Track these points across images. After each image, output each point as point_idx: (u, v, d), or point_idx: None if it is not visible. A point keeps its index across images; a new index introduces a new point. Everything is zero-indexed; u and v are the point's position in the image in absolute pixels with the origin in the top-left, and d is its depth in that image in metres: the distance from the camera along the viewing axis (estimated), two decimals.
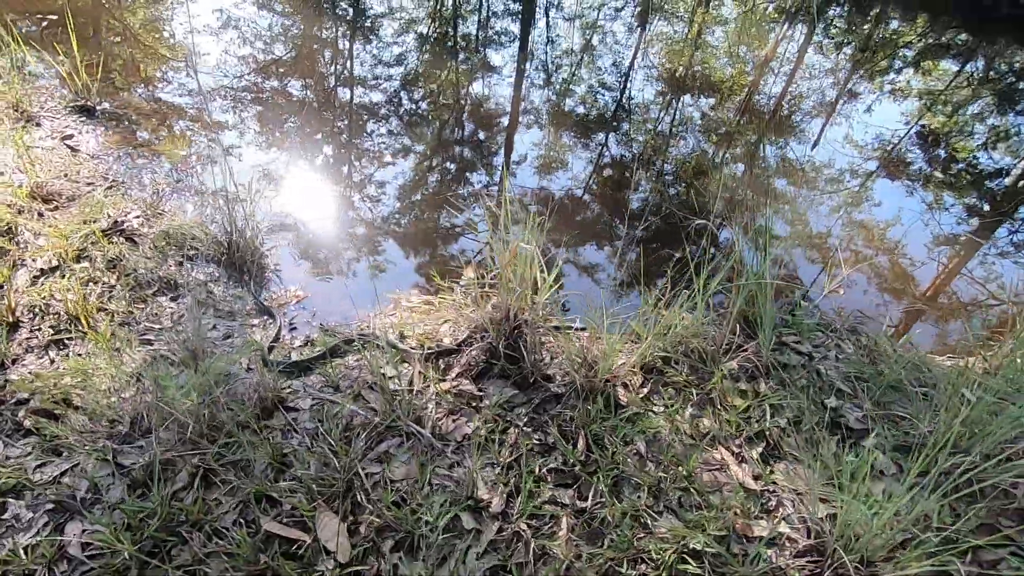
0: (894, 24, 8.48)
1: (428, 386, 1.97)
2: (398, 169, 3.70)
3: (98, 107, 3.60)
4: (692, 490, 1.65)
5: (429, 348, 2.12)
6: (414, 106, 4.59)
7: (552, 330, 2.10)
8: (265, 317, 2.36)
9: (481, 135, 4.35)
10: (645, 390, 1.95)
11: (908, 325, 2.94)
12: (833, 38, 7.83)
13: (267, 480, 1.60)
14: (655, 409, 1.90)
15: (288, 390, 1.98)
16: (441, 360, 2.11)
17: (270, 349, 2.13)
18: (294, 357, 2.15)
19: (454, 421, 1.84)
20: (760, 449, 1.78)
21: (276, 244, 2.78)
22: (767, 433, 1.83)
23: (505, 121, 4.53)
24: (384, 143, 3.97)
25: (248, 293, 2.46)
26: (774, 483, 1.68)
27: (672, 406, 1.89)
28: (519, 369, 1.97)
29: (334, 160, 3.78)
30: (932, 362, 2.28)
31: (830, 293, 2.90)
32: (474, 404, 1.92)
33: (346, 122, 4.24)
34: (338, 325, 2.36)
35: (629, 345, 2.13)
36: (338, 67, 5.12)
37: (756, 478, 1.70)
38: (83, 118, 3.47)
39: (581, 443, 1.75)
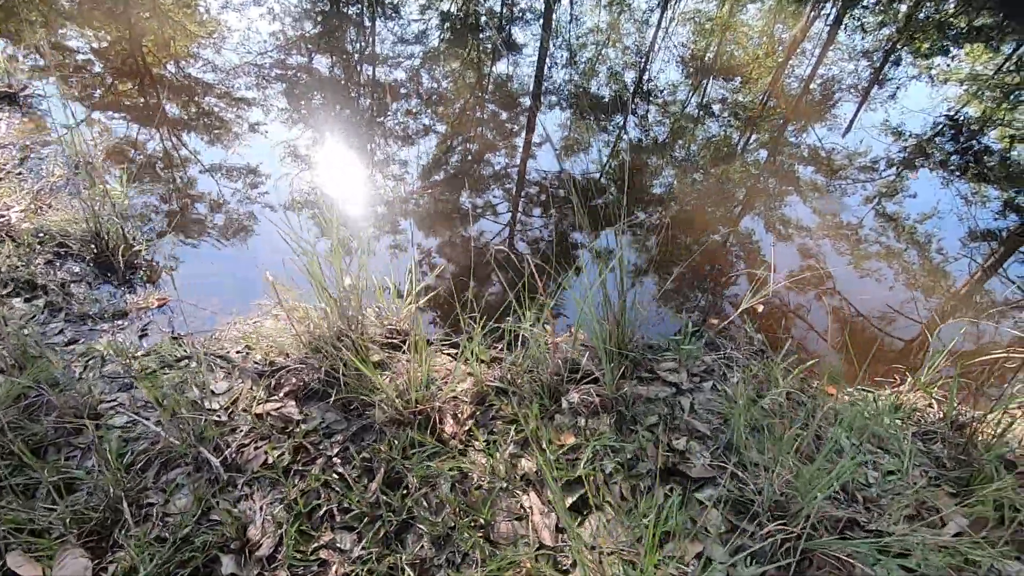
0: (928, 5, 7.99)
1: (251, 406, 1.86)
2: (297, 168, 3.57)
3: (22, 93, 3.55)
4: (483, 542, 1.50)
5: (267, 365, 2.01)
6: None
7: (388, 348, 1.96)
8: (119, 321, 2.28)
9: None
10: (470, 423, 1.80)
11: (854, 352, 2.70)
12: (860, 20, 7.37)
13: (37, 508, 1.52)
14: (476, 445, 1.75)
15: (112, 403, 1.90)
16: (275, 378, 1.99)
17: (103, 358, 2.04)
18: (135, 366, 2.06)
19: (256, 448, 1.72)
20: (574, 497, 1.62)
21: (155, 243, 2.69)
22: (591, 478, 1.66)
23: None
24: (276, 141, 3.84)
25: (109, 295, 2.39)
26: (577, 538, 1.52)
27: (493, 442, 1.74)
28: (350, 391, 1.85)
29: (226, 163, 3.67)
30: (824, 397, 2.07)
31: (746, 311, 2.69)
32: (288, 430, 1.80)
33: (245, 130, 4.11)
34: (193, 332, 2.26)
35: (480, 367, 1.98)
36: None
37: (559, 531, 1.54)
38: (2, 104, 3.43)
39: (377, 481, 1.61)
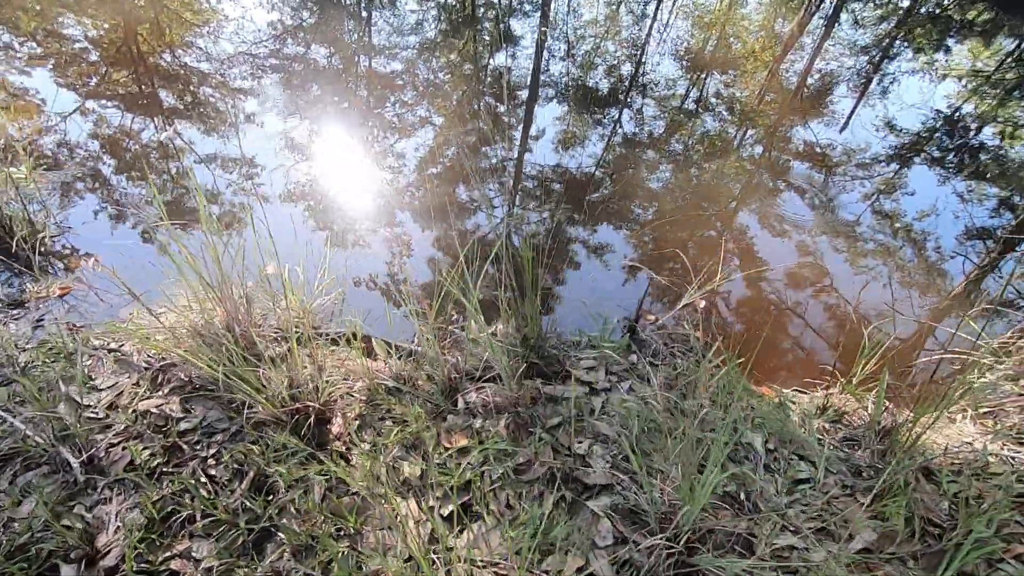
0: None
1: (132, 403, 1.75)
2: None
3: None
4: (348, 553, 1.40)
5: (159, 359, 1.90)
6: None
7: (278, 341, 1.84)
8: (15, 311, 2.16)
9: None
10: (356, 423, 1.69)
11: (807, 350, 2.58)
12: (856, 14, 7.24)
13: None
14: (362, 446, 1.64)
15: None
16: (164, 373, 1.88)
17: None
18: (22, 359, 1.95)
19: (124, 449, 1.62)
20: (456, 505, 1.51)
21: (70, 227, 2.58)
22: (476, 484, 1.56)
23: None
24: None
25: (4, 283, 2.27)
26: (449, 549, 1.42)
27: (378, 445, 1.63)
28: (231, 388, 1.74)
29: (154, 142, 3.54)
30: (749, 400, 1.96)
31: (685, 308, 2.58)
32: (165, 428, 1.69)
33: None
34: (92, 324, 2.15)
35: (367, 363, 1.87)
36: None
37: (432, 541, 1.44)
38: None
39: (243, 485, 1.51)
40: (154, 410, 1.75)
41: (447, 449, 1.63)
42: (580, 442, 1.71)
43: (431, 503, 1.52)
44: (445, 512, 1.49)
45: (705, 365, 2.05)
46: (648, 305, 2.66)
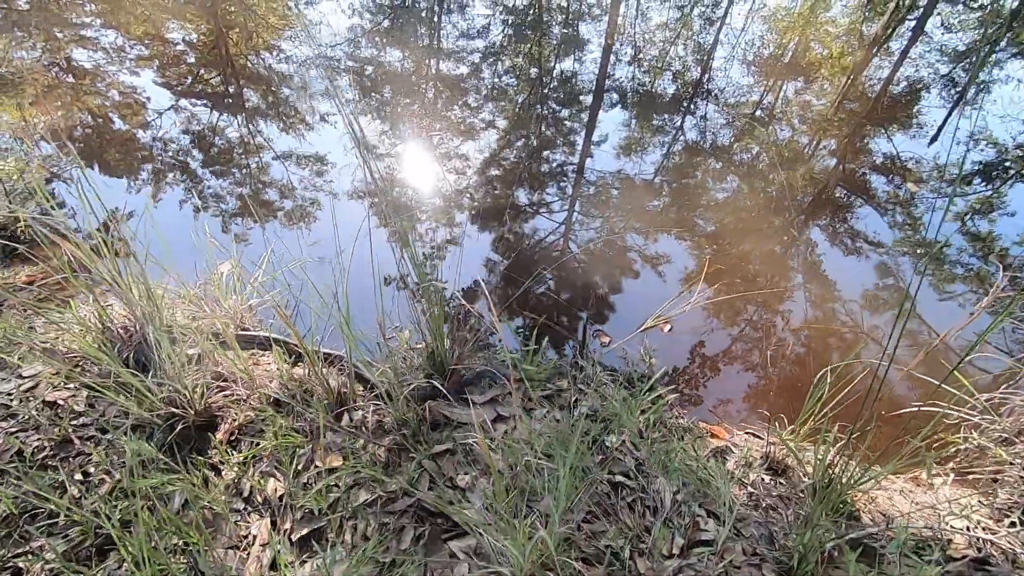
0: None
1: (45, 393, 1.79)
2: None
3: None
4: (184, 570, 1.35)
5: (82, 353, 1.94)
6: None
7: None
8: None
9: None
10: (234, 434, 1.65)
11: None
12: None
13: None
14: (235, 458, 1.59)
15: None
16: (84, 366, 1.91)
17: None
18: None
19: (16, 439, 1.65)
20: (307, 530, 1.43)
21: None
22: (338, 510, 1.47)
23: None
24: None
25: None
26: None
27: (248, 458, 1.58)
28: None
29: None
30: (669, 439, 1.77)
31: (647, 330, 2.40)
32: (62, 421, 1.71)
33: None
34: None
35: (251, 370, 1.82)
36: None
37: (273, 568, 1.36)
38: None
39: (104, 489, 1.49)
40: (60, 402, 1.78)
41: (318, 468, 1.55)
42: (465, 474, 1.59)
43: (288, 525, 1.45)
44: (297, 537, 1.42)
45: (638, 399, 1.87)
46: (617, 325, 2.48)
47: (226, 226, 2.83)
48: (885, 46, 5.76)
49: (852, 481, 1.50)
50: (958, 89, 4.96)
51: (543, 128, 3.85)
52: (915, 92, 4.87)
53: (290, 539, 1.42)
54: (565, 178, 3.47)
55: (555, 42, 5.10)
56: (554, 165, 3.59)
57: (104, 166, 3.14)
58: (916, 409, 1.83)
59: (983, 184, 3.64)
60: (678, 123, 4.03)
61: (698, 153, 3.87)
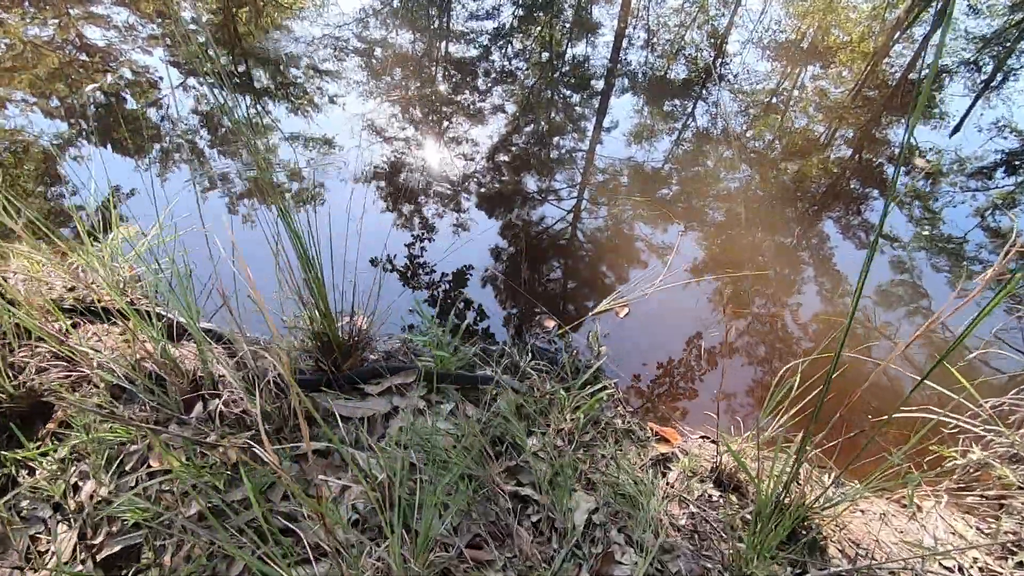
0: None
1: None
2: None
3: None
4: None
5: None
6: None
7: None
8: None
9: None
10: (57, 425, 1.36)
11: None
12: None
13: None
14: (55, 455, 1.31)
15: None
16: None
17: None
18: None
19: None
20: (120, 547, 1.14)
21: None
22: (163, 520, 1.18)
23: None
24: None
25: None
26: None
27: (66, 458, 1.29)
28: None
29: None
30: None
31: (599, 313, 2.08)
32: None
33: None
34: None
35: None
36: None
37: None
38: None
39: None
40: None
41: (151, 469, 1.26)
42: (336, 480, 1.29)
43: (99, 539, 1.16)
44: (104, 556, 1.13)
45: (572, 393, 1.56)
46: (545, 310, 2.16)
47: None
48: (907, 32, 5.28)
49: (813, 502, 1.17)
50: (983, 78, 4.50)
51: (551, 112, 3.51)
52: (938, 79, 4.43)
53: (95, 558, 1.13)
54: (572, 159, 3.13)
55: (567, 25, 4.73)
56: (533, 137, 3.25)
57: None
58: (899, 415, 1.50)
59: (1006, 175, 3.25)
60: (688, 109, 3.66)
61: (696, 137, 3.51)
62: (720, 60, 4.47)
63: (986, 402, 1.41)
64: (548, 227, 2.54)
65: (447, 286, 2.17)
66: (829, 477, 1.40)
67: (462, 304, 2.11)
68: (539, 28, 4.62)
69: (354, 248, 2.18)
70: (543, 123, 3.38)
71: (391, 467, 1.31)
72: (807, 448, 1.21)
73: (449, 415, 1.53)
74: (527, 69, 4.05)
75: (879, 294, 2.33)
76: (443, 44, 4.25)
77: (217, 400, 1.38)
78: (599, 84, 3.94)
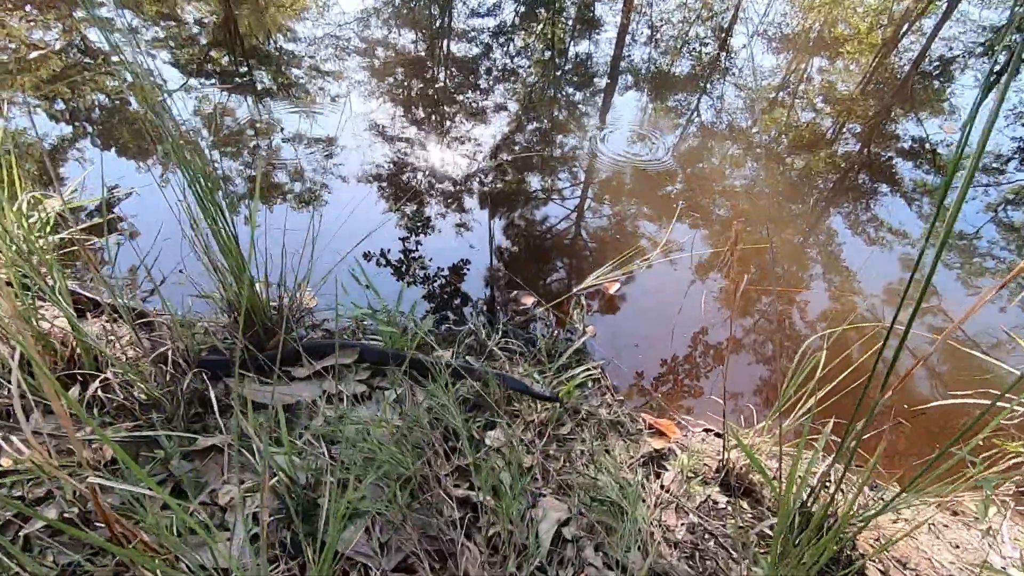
0: None
1: None
2: None
3: None
4: None
5: None
6: None
7: None
8: None
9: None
10: None
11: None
12: None
13: None
14: None
15: None
16: None
17: None
18: None
19: None
20: None
21: None
22: (7, 531, 0.91)
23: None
24: None
25: None
26: None
27: None
28: None
29: None
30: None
31: (586, 289, 1.81)
32: None
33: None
34: None
35: None
36: None
37: None
38: None
39: None
40: None
41: (2, 468, 0.99)
42: (241, 482, 1.02)
43: None
44: None
45: (547, 377, 1.29)
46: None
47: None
48: (916, 24, 4.95)
49: (850, 512, 0.89)
50: (996, 71, 4.17)
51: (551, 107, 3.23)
52: (947, 71, 4.12)
53: None
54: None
55: (569, 21, 4.44)
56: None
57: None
58: (937, 404, 1.21)
59: (1020, 168, 2.94)
60: (693, 104, 3.36)
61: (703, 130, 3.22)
62: (727, 54, 4.16)
63: None
64: (529, 193, 2.26)
65: (404, 255, 1.89)
66: (860, 479, 1.11)
67: (421, 272, 1.83)
68: (540, 25, 4.34)
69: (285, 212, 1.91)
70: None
71: (308, 467, 1.03)
72: (849, 442, 0.92)
73: (395, 403, 1.25)
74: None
75: (887, 292, 2.03)
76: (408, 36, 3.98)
77: (97, 384, 1.11)
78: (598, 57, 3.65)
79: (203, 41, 3.35)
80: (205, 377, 1.16)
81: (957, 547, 1.13)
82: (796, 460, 0.93)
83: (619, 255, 1.79)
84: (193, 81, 2.83)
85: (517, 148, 2.57)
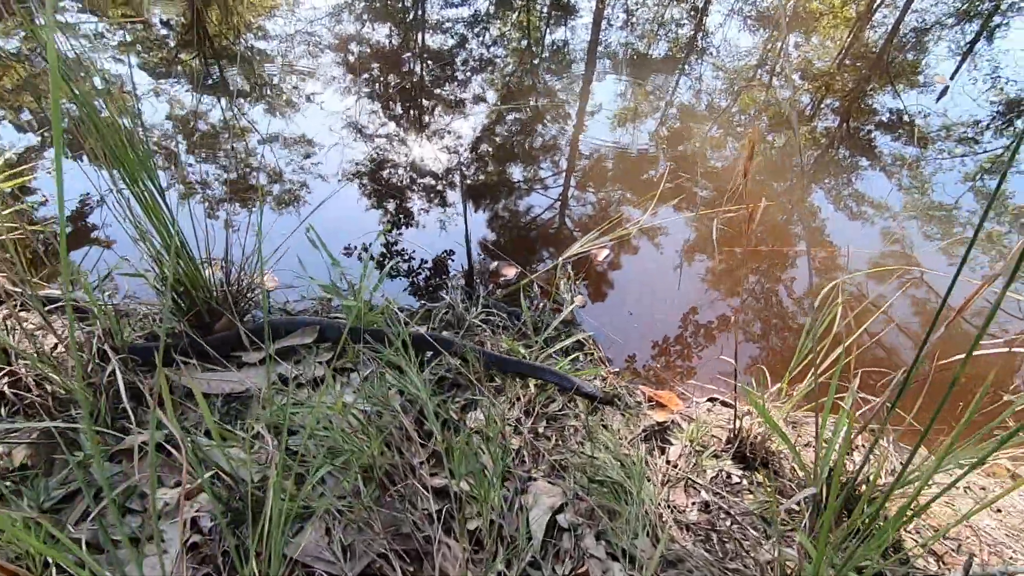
0: None
1: None
2: None
3: None
4: None
5: None
6: None
7: None
8: None
9: None
10: None
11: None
12: None
13: None
14: None
15: None
16: None
17: None
18: None
19: None
20: None
21: None
22: None
23: None
24: None
25: None
26: None
27: None
28: None
29: None
30: None
31: (572, 257, 1.67)
32: None
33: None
34: None
35: None
36: None
37: None
38: None
39: None
40: None
41: None
42: (176, 485, 0.86)
43: None
44: None
45: (533, 351, 1.15)
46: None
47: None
48: None
49: (897, 483, 0.75)
50: (968, 41, 4.06)
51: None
52: (922, 43, 4.01)
53: None
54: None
55: (544, 8, 4.25)
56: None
57: None
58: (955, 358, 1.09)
59: (995, 138, 2.83)
60: (672, 85, 3.20)
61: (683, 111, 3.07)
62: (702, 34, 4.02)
63: None
64: (507, 156, 2.10)
65: (376, 225, 1.73)
66: (890, 444, 0.98)
67: (395, 247, 1.67)
68: (515, 14, 4.16)
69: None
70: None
71: (255, 463, 0.88)
72: (869, 399, 0.79)
73: (362, 385, 1.10)
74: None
75: (871, 264, 1.90)
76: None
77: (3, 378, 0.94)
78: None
79: (171, 44, 3.15)
80: (137, 367, 1.00)
81: (999, 511, 1.01)
82: (823, 422, 0.79)
83: (605, 223, 1.65)
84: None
85: (493, 126, 2.41)
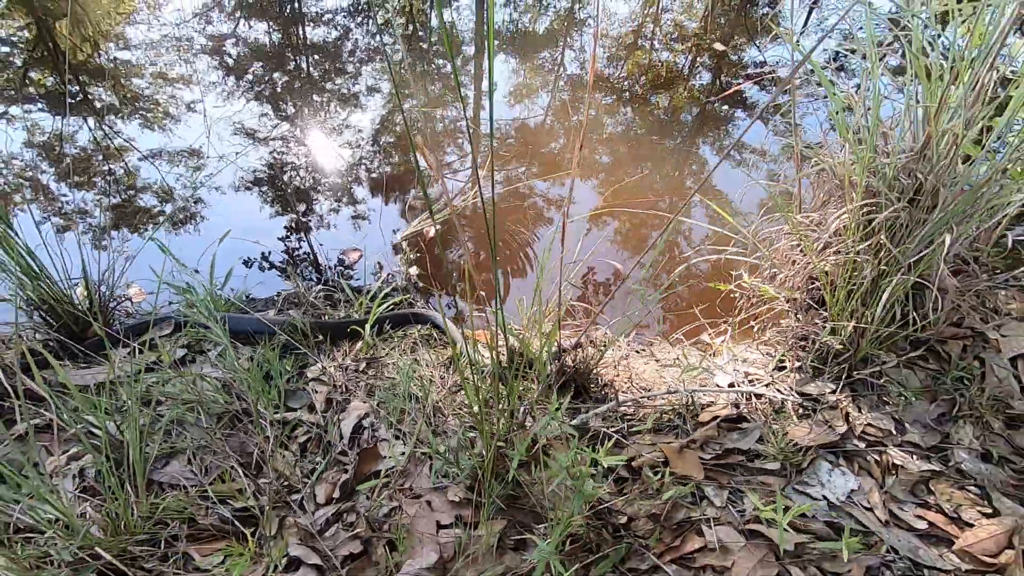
0: None
1: None
2: None
3: None
4: None
5: None
6: None
7: None
8: None
9: None
10: None
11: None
12: None
13: None
14: None
15: None
16: None
17: None
18: None
19: None
20: None
21: None
22: None
23: None
24: None
25: None
26: None
27: None
28: None
29: None
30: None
31: (408, 236, 1.98)
32: None
33: None
34: None
35: None
36: None
37: None
38: None
39: None
40: None
41: None
42: (65, 451, 1.12)
43: None
44: None
45: (356, 308, 1.46)
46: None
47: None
48: None
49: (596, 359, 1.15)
50: None
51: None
52: None
53: None
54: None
55: None
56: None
57: None
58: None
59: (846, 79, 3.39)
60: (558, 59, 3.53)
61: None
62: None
63: (750, 228, 1.45)
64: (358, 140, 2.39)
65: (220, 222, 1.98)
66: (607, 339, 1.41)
67: (243, 246, 1.94)
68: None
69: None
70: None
71: (132, 425, 1.15)
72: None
73: (218, 360, 1.38)
74: None
75: (763, 208, 2.29)
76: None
77: None
78: None
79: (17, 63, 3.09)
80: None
81: (666, 367, 1.45)
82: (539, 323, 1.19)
83: (437, 205, 1.98)
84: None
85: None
